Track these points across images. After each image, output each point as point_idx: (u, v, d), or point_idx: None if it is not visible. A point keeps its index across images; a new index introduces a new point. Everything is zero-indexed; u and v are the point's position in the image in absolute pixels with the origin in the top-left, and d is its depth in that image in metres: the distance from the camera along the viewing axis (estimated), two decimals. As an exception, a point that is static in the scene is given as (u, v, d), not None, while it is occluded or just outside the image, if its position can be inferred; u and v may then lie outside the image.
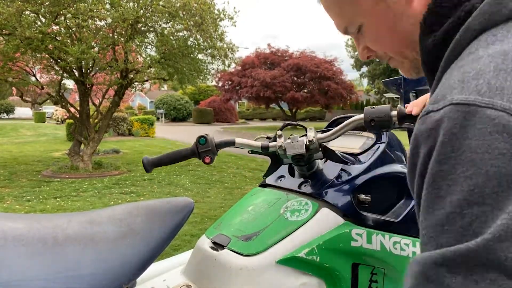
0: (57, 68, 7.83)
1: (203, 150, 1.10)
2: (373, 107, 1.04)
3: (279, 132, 1.13)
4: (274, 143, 1.15)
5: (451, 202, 0.40)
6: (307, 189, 1.14)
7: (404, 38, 0.60)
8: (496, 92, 0.41)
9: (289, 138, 1.10)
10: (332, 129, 1.11)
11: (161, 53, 7.75)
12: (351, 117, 1.12)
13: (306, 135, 1.10)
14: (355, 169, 1.15)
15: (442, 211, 0.41)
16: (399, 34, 0.61)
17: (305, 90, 26.96)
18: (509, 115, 0.39)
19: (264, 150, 1.15)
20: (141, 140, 15.40)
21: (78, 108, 8.15)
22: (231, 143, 1.15)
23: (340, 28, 0.66)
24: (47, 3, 6.53)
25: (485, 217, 0.38)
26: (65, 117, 18.34)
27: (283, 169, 1.26)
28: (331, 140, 1.10)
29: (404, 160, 1.29)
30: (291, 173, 1.24)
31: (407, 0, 0.57)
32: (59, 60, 7.09)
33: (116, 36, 7.23)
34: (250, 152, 1.19)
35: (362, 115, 1.05)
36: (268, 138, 1.21)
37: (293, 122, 1.30)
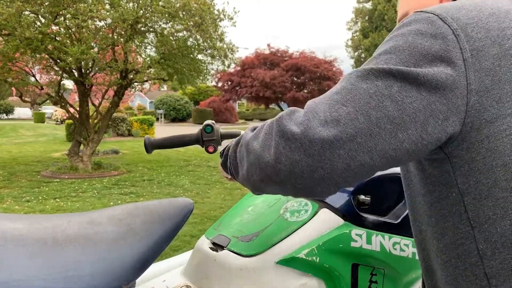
0: (56, 68, 7.83)
1: (208, 138, 1.06)
2: None
3: None
4: None
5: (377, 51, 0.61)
6: (306, 189, 1.14)
7: None
8: (443, 10, 0.60)
9: None
10: None
11: (161, 53, 7.75)
12: None
13: None
14: None
15: (380, 50, 0.61)
16: None
17: (305, 91, 26.97)
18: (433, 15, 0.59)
19: None
20: (141, 141, 15.39)
21: (78, 109, 8.15)
22: (237, 135, 1.13)
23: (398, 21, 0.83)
24: (46, 4, 6.53)
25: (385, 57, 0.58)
26: (65, 117, 18.33)
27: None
28: None
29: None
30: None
31: None
32: (58, 61, 7.08)
33: (115, 37, 7.23)
34: None
35: None
36: None
37: None
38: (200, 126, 1.09)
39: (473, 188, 0.58)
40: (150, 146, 1.10)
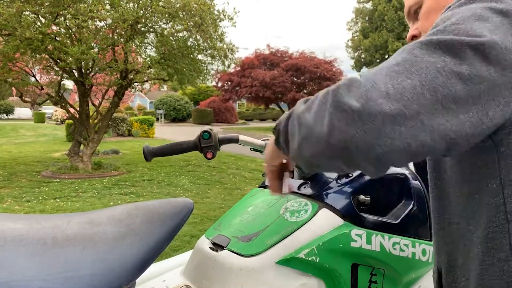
0: (56, 68, 7.83)
1: (206, 145, 1.08)
2: None
3: None
4: None
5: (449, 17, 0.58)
6: (306, 190, 1.14)
7: None
8: None
9: None
10: None
11: (161, 53, 7.75)
12: None
13: None
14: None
15: (448, 21, 0.57)
16: None
17: (305, 91, 26.97)
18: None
19: None
20: (141, 141, 15.39)
21: (78, 109, 8.15)
22: (235, 140, 1.14)
23: (406, 9, 0.85)
24: (47, 4, 6.53)
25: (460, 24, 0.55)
26: (65, 117, 18.33)
27: (283, 170, 1.26)
28: None
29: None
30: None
31: None
32: (58, 61, 7.08)
33: (116, 37, 7.23)
34: (252, 149, 1.19)
35: None
36: None
37: None
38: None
39: None
40: (149, 155, 1.11)
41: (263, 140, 1.19)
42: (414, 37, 0.85)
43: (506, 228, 0.58)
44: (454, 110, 0.50)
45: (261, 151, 1.18)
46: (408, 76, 0.50)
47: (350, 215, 1.06)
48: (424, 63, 0.51)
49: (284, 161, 0.88)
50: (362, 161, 0.51)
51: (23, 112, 37.72)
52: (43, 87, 8.36)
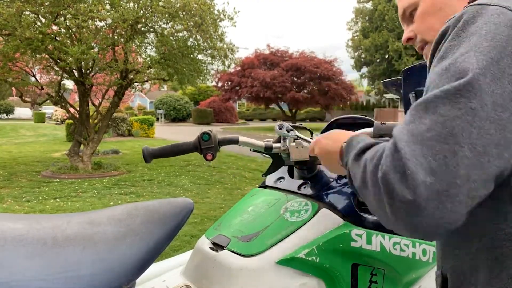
0: (56, 68, 7.83)
1: (206, 146, 1.08)
2: (383, 123, 1.04)
3: (284, 134, 1.12)
4: (278, 144, 1.14)
5: (451, 58, 0.56)
6: (307, 190, 1.14)
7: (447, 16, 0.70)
8: (501, 1, 0.58)
9: (294, 142, 1.10)
10: None
11: (161, 53, 7.75)
12: (351, 118, 1.11)
13: (311, 140, 1.09)
14: None
15: (443, 63, 0.57)
16: (444, 12, 0.75)
17: (305, 91, 26.96)
18: (509, 10, 0.57)
19: (267, 151, 1.15)
20: (141, 141, 15.39)
21: (78, 109, 8.15)
22: (235, 141, 1.14)
23: (400, 11, 0.85)
24: (47, 4, 6.53)
25: (469, 62, 0.53)
26: (65, 117, 18.31)
27: (283, 171, 1.26)
28: None
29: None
30: (291, 174, 1.24)
31: None
32: (59, 61, 7.08)
33: (116, 37, 7.23)
34: (252, 150, 1.19)
35: (371, 129, 1.05)
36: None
37: (297, 125, 1.28)
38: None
39: None
40: (149, 156, 1.12)
41: (264, 142, 1.19)
42: (409, 39, 0.84)
43: None
44: (498, 153, 0.51)
45: (261, 152, 1.18)
46: (443, 141, 0.51)
47: (350, 215, 1.06)
48: (453, 121, 0.51)
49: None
50: (433, 235, 0.55)
51: (23, 112, 37.70)
52: (43, 87, 8.36)
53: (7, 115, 36.90)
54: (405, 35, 0.85)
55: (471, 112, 0.51)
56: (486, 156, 0.50)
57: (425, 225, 0.52)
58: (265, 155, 1.22)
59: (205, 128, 1.11)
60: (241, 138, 1.15)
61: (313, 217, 1.05)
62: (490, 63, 0.53)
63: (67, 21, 6.86)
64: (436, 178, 0.50)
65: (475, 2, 0.61)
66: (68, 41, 6.98)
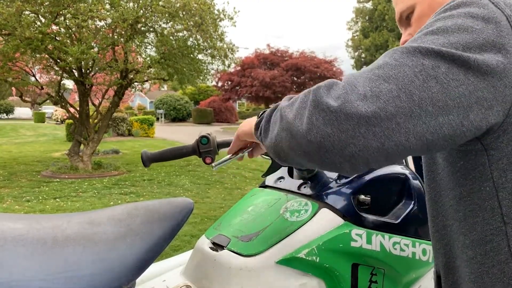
0: (56, 68, 7.83)
1: (205, 150, 1.09)
2: None
3: None
4: None
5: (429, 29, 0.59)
6: (306, 190, 1.14)
7: None
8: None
9: None
10: None
11: (161, 53, 7.75)
12: None
13: None
14: None
15: (425, 30, 0.59)
16: None
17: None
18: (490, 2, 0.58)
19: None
20: (141, 141, 15.40)
21: (78, 109, 8.15)
22: None
23: (397, 15, 0.84)
24: (46, 3, 6.53)
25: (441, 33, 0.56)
26: (65, 117, 18.33)
27: (283, 171, 1.26)
28: None
29: (404, 161, 1.29)
30: (291, 174, 1.24)
31: None
32: (58, 60, 7.08)
33: (116, 36, 7.23)
34: None
35: None
36: None
37: None
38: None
39: (510, 182, 0.57)
40: (148, 160, 1.12)
41: None
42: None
43: (504, 230, 0.58)
44: (432, 113, 0.52)
45: (261, 153, 1.18)
46: (386, 79, 0.53)
47: (350, 215, 1.06)
48: (403, 67, 0.53)
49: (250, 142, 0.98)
50: (337, 158, 0.54)
51: (23, 111, 37.71)
52: (43, 86, 8.36)
53: (7, 115, 36.91)
54: (403, 39, 0.86)
55: (421, 66, 0.53)
56: (419, 110, 0.51)
57: (336, 139, 0.52)
58: (264, 156, 1.22)
59: (204, 131, 1.11)
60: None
61: (313, 217, 1.05)
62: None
63: (67, 21, 6.86)
64: (364, 103, 0.52)
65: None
66: (68, 40, 6.98)
